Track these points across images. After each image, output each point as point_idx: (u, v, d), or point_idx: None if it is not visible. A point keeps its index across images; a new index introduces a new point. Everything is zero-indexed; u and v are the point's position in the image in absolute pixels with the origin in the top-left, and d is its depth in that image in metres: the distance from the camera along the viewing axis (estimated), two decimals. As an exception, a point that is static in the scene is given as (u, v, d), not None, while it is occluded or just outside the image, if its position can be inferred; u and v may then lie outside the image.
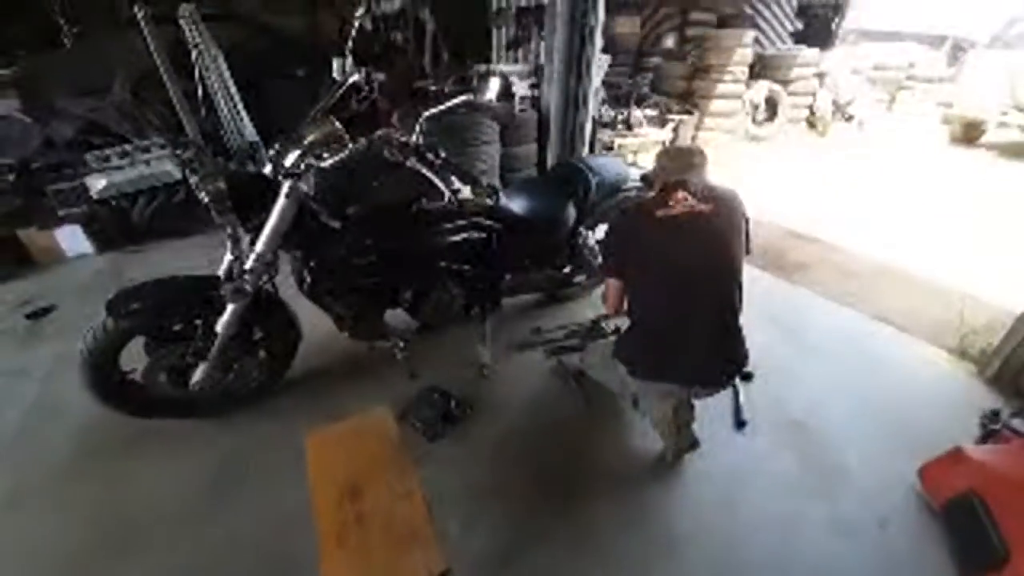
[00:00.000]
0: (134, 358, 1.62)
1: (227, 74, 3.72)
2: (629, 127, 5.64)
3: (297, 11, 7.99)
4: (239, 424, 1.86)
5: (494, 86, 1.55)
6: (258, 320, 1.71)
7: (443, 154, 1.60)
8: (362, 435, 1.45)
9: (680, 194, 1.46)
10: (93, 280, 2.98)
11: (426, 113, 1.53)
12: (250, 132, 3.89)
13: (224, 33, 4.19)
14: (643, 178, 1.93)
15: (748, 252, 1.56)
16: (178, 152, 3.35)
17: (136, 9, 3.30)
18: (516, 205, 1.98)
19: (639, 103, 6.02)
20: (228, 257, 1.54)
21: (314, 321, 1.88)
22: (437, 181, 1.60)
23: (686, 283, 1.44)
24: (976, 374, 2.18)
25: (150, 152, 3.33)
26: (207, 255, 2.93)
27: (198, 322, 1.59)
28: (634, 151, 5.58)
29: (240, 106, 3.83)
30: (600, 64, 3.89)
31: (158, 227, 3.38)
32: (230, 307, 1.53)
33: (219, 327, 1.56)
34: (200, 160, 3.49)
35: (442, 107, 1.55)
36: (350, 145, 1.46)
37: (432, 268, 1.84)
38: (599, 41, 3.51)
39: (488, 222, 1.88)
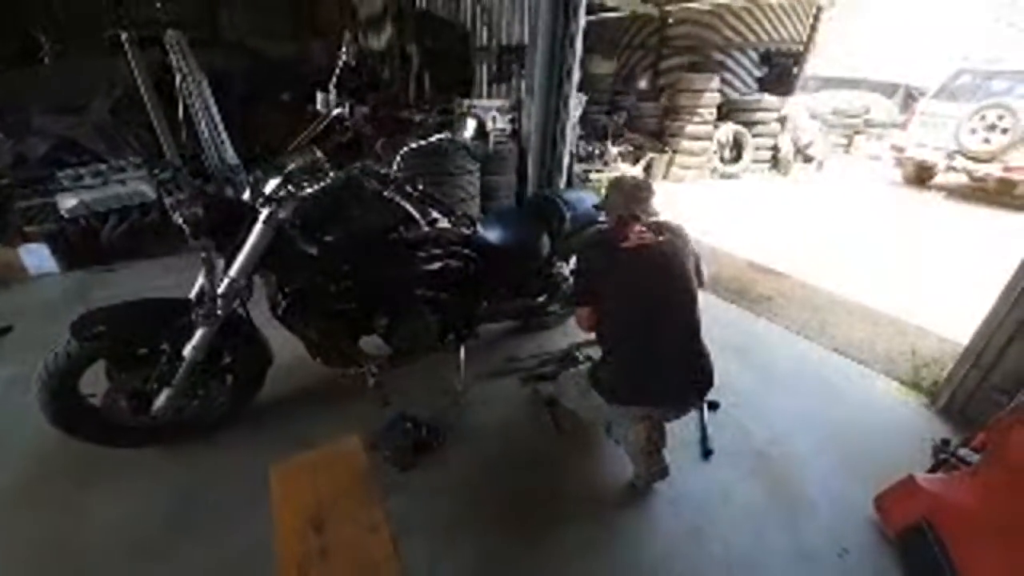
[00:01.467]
0: (94, 383, 1.57)
1: (210, 98, 3.74)
2: (604, 162, 5.87)
3: (287, 38, 8.14)
4: (200, 453, 1.80)
5: (470, 126, 1.63)
6: (227, 344, 1.68)
7: (420, 186, 1.66)
8: (329, 465, 1.43)
9: (636, 227, 1.59)
10: (56, 300, 2.87)
11: (404, 148, 1.59)
12: (231, 155, 3.89)
13: (211, 57, 4.24)
14: (596, 206, 2.08)
15: (701, 284, 1.70)
16: (155, 173, 3.32)
17: (121, 32, 3.33)
18: (492, 235, 2.04)
19: (614, 139, 6.29)
20: (200, 280, 1.53)
21: (284, 346, 1.87)
22: (414, 211, 1.64)
23: (654, 310, 1.55)
24: (928, 404, 2.30)
25: (125, 172, 3.29)
26: (176, 277, 2.87)
27: (164, 346, 1.56)
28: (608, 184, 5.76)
29: (222, 129, 3.85)
30: (577, 102, 4.07)
31: (128, 247, 3.31)
32: (200, 331, 1.51)
33: (187, 352, 1.53)
34: (177, 182, 3.47)
35: (421, 143, 1.61)
36: (330, 174, 1.50)
37: (408, 295, 1.86)
38: (576, 80, 3.70)
39: (465, 251, 1.93)
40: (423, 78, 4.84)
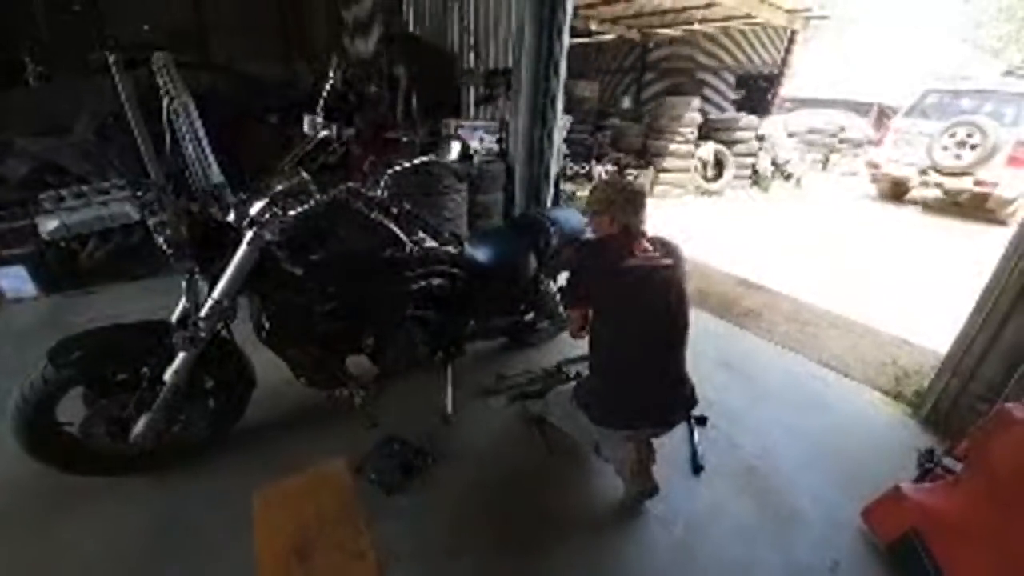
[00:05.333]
0: (69, 410, 1.52)
1: (197, 119, 3.74)
2: (590, 180, 5.97)
3: (276, 60, 8.22)
4: (181, 479, 1.74)
5: (454, 148, 1.66)
6: (209, 367, 1.64)
7: (407, 206, 1.67)
8: (314, 490, 1.40)
9: (643, 244, 1.57)
10: (32, 325, 2.79)
11: (390, 170, 1.60)
12: (216, 174, 3.88)
13: (199, 79, 4.26)
14: (588, 209, 2.02)
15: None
16: (139, 194, 3.28)
17: (108, 54, 3.33)
18: (479, 253, 2.05)
19: (599, 158, 6.42)
20: (183, 303, 1.51)
21: (268, 367, 1.83)
22: (399, 232, 1.65)
23: (648, 335, 1.54)
24: (912, 414, 2.33)
25: (108, 193, 3.25)
26: (157, 299, 2.79)
27: (144, 371, 1.52)
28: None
29: (207, 149, 3.84)
30: (562, 123, 4.16)
31: (108, 270, 3.25)
32: (181, 355, 1.48)
33: (167, 376, 1.49)
34: (161, 202, 3.43)
35: (406, 165, 1.63)
36: (316, 196, 1.50)
37: (394, 314, 1.85)
38: (561, 101, 3.78)
39: (451, 270, 1.93)
40: (411, 99, 4.91)
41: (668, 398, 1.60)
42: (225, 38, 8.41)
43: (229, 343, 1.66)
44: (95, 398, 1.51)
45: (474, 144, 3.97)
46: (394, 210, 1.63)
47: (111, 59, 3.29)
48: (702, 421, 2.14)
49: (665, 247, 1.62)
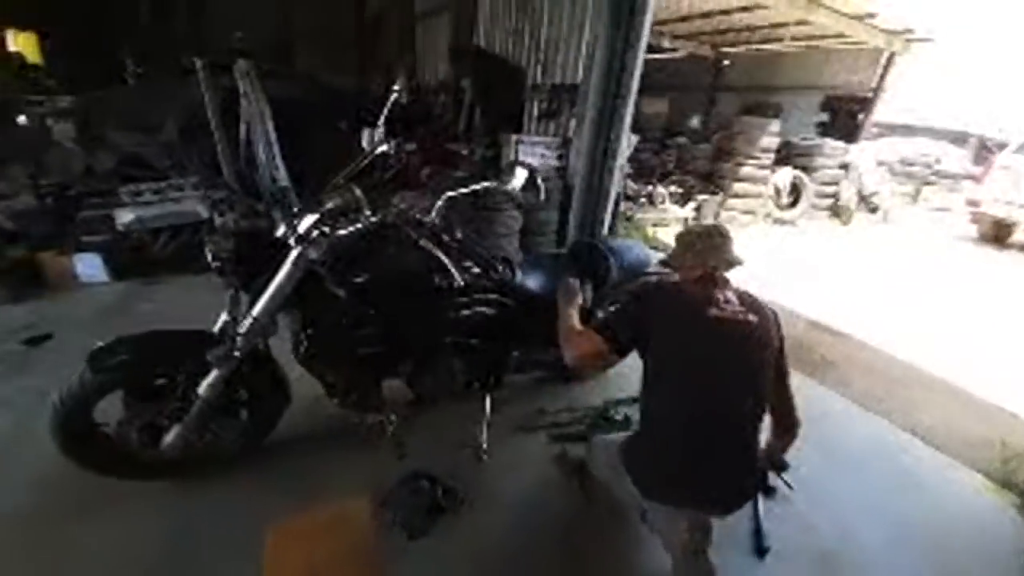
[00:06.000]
0: (107, 411, 1.52)
1: (270, 124, 3.89)
2: (651, 202, 5.70)
3: (351, 70, 8.63)
4: (200, 491, 1.70)
5: (520, 175, 1.51)
6: (245, 380, 1.60)
7: (459, 235, 1.56)
8: (330, 529, 1.31)
9: (727, 293, 1.36)
10: (100, 310, 2.95)
11: (448, 193, 1.48)
12: (283, 177, 4.01)
13: (278, 86, 4.46)
14: (664, 263, 1.84)
15: (786, 372, 1.47)
16: (209, 194, 3.43)
17: (196, 59, 3.54)
18: (531, 281, 1.91)
19: (663, 180, 6.13)
20: (224, 317, 1.48)
21: (301, 382, 1.77)
22: (448, 262, 1.53)
23: (715, 395, 1.30)
24: (1021, 507, 1.95)
25: (182, 191, 3.43)
26: (216, 295, 2.91)
27: (180, 379, 1.49)
28: (654, 224, 5.60)
29: (278, 154, 3.98)
30: (629, 142, 3.97)
31: (175, 262, 3.40)
32: (216, 371, 1.44)
33: (201, 389, 1.46)
34: (230, 202, 3.58)
35: (464, 190, 1.51)
36: (367, 215, 1.43)
37: (436, 341, 1.75)
38: (629, 120, 3.60)
39: (500, 298, 1.80)
40: (474, 112, 4.91)
41: (734, 480, 1.35)
42: (307, 48, 8.92)
43: (267, 357, 1.62)
44: (133, 403, 1.50)
45: (534, 160, 3.87)
46: (445, 238, 1.52)
47: (199, 64, 3.49)
48: (770, 492, 1.87)
49: (753, 304, 1.38)
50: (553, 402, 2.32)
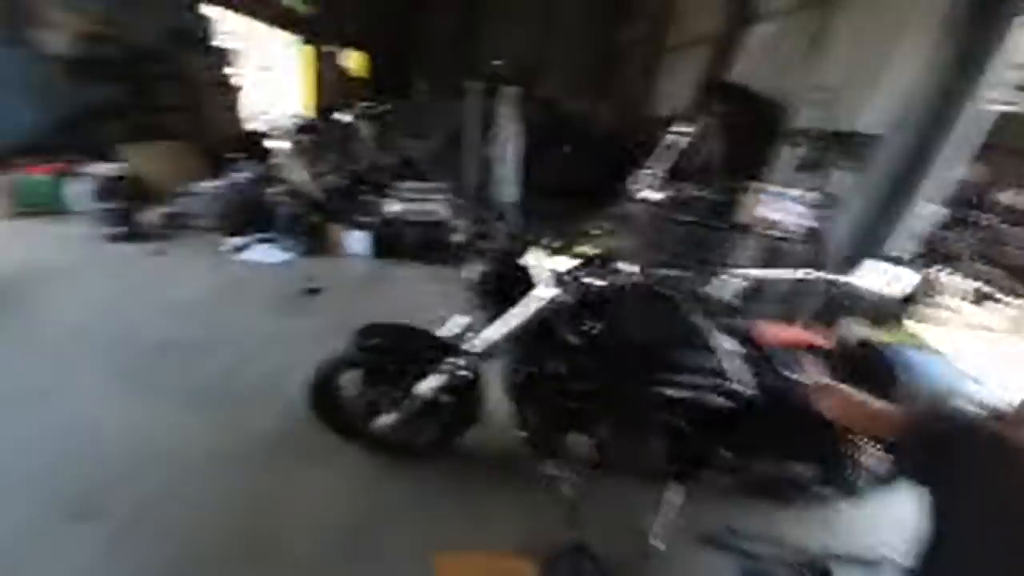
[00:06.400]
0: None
1: (516, 146, 4.24)
2: (928, 291, 4.36)
3: (587, 97, 9.01)
4: (393, 477, 1.84)
5: (882, 276, 1.15)
6: (454, 390, 1.66)
7: (745, 326, 1.33)
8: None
9: None
10: (358, 280, 3.65)
11: (752, 273, 1.25)
12: (510, 194, 4.34)
13: (529, 111, 4.87)
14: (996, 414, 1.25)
15: None
16: (451, 199, 3.93)
17: (470, 82, 4.08)
18: (783, 381, 1.53)
19: (952, 265, 4.65)
20: (454, 325, 1.56)
21: (496, 408, 1.77)
22: (709, 339, 1.30)
23: None
24: None
25: (432, 194, 4.00)
26: (440, 287, 3.44)
27: (411, 372, 1.62)
28: (926, 322, 4.26)
29: (513, 174, 4.33)
30: (929, 215, 3.06)
31: (416, 251, 3.99)
32: (439, 376, 1.52)
33: (420, 387, 1.57)
34: (467, 209, 4.03)
35: (774, 275, 1.26)
36: (627, 269, 1.31)
37: (646, 413, 1.53)
38: (937, 189, 2.78)
39: (739, 389, 1.48)
40: (712, 152, 4.51)
41: None
42: (553, 75, 9.64)
43: (477, 375, 1.65)
44: (371, 382, 1.70)
45: (779, 216, 3.30)
46: (727, 320, 1.31)
47: (471, 87, 4.02)
48: None
49: None
50: (752, 521, 1.86)
